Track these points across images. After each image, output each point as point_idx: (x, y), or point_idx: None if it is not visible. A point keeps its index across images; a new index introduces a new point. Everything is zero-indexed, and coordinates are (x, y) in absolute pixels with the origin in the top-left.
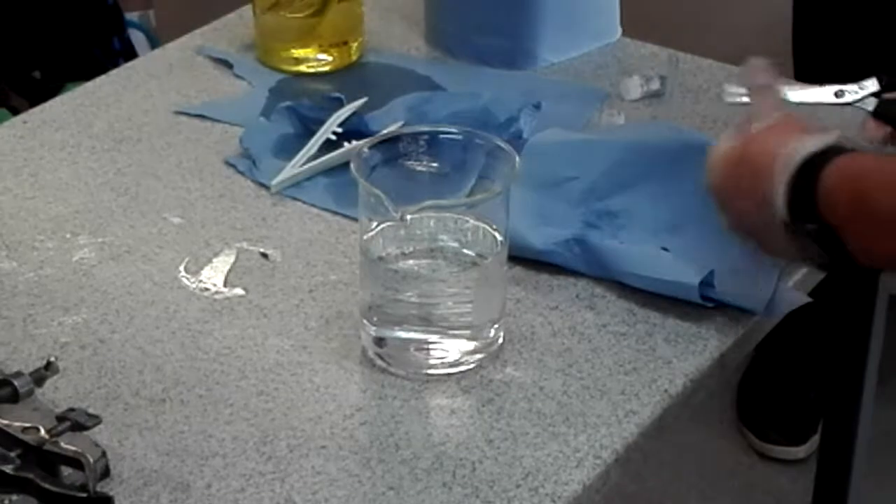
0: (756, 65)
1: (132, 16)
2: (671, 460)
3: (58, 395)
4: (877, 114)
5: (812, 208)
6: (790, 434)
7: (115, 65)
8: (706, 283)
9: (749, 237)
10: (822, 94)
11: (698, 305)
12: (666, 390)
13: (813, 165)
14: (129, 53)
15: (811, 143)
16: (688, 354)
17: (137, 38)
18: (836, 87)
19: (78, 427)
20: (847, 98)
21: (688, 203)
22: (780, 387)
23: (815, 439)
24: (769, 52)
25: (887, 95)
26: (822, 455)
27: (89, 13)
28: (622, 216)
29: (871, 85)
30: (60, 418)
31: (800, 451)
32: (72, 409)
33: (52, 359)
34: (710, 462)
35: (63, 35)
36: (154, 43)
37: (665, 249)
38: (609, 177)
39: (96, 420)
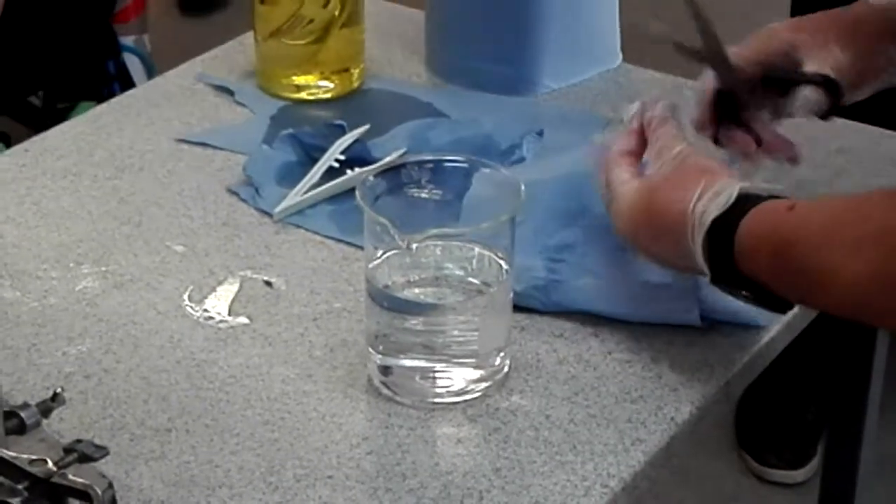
0: (652, 97)
1: (127, 40)
2: (670, 484)
3: (63, 425)
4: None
5: (733, 270)
6: (789, 458)
7: (111, 89)
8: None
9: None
10: None
11: (704, 332)
12: (672, 418)
13: (726, 226)
14: (125, 78)
15: (716, 203)
16: (694, 382)
17: (132, 62)
18: None
19: (85, 459)
20: None
21: None
22: (777, 410)
23: (815, 463)
24: None
25: None
26: (824, 480)
27: (85, 37)
28: (579, 246)
29: None
30: (68, 450)
31: (799, 475)
32: (79, 441)
33: (59, 390)
34: (709, 486)
35: (58, 59)
36: (149, 67)
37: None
38: (551, 213)
39: (104, 452)
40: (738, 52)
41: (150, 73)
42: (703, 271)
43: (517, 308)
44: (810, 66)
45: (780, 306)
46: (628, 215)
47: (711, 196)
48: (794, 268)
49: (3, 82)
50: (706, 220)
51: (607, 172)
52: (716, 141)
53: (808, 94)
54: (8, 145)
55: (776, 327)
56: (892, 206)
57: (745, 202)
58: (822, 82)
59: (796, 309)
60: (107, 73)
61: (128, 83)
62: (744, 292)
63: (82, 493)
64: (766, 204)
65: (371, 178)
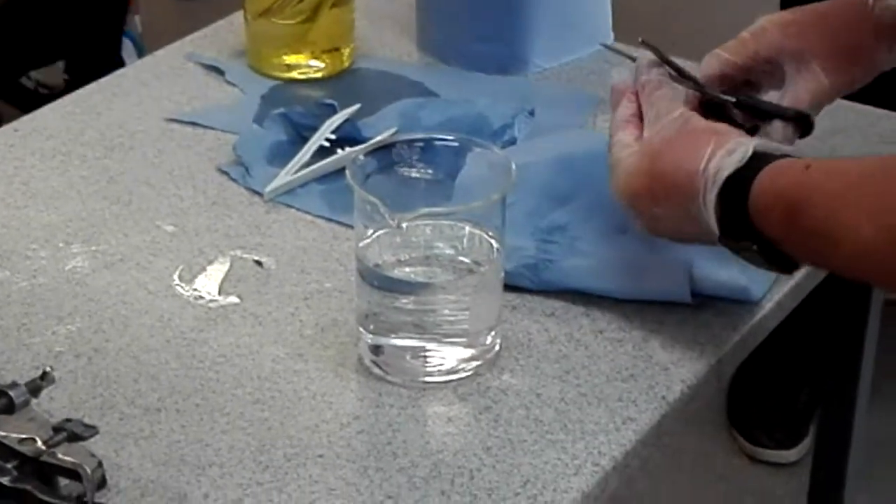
0: (645, 61)
1: None
2: (661, 463)
3: (53, 404)
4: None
5: (747, 226)
6: (780, 438)
7: None
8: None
9: (672, 240)
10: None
11: (695, 311)
12: (663, 397)
13: (739, 183)
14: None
15: (730, 160)
16: (685, 361)
17: (124, 43)
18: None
19: (75, 438)
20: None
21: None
22: (769, 390)
23: (806, 443)
24: None
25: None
26: (816, 460)
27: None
28: (571, 228)
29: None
30: (57, 429)
31: (791, 455)
32: (68, 420)
33: (48, 369)
34: (700, 465)
35: (56, 41)
36: (140, 49)
37: None
38: (545, 195)
39: (93, 431)
40: (727, 57)
41: (141, 54)
42: (711, 230)
43: (508, 287)
44: (790, 87)
45: (787, 266)
46: (626, 180)
47: (724, 154)
48: (808, 228)
49: None
50: (720, 177)
51: (611, 136)
52: None
53: (777, 130)
54: None
55: (768, 305)
56: None
57: (759, 160)
58: (794, 117)
59: (789, 287)
60: None
61: (118, 64)
62: (754, 246)
63: (72, 472)
64: (782, 161)
65: (361, 157)
